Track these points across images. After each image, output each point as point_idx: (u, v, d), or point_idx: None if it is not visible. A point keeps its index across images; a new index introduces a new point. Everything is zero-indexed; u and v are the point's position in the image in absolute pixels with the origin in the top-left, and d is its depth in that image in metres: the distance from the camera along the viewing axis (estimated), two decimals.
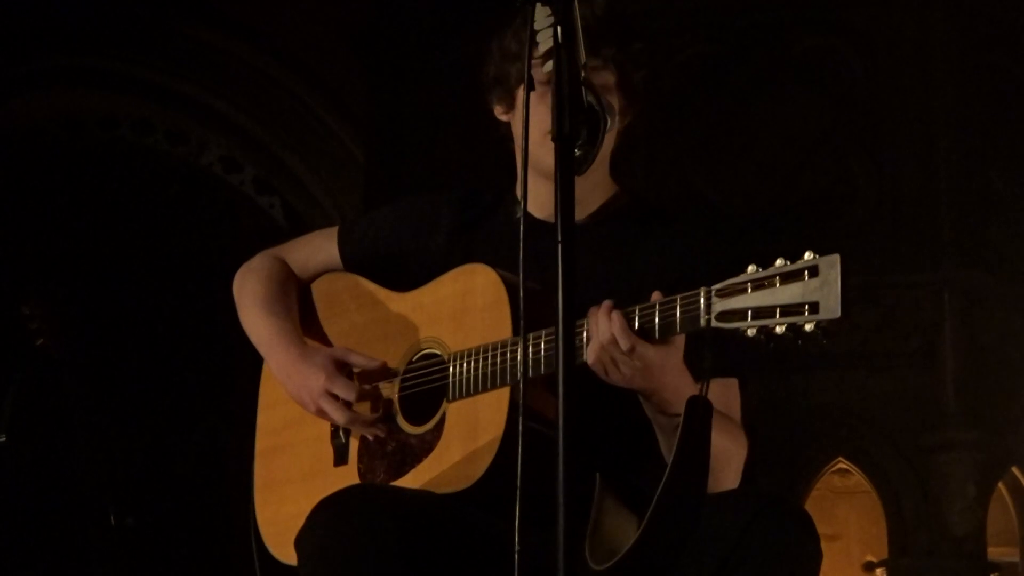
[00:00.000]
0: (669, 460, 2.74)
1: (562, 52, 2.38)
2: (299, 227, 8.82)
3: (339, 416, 2.96)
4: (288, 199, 9.25)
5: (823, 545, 2.69)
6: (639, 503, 2.71)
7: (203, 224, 9.09)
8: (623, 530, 2.66)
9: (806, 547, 2.66)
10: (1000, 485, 8.15)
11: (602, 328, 2.61)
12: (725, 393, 2.83)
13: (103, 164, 9.00)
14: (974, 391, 7.95)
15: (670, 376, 2.65)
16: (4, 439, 5.35)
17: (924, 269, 8.09)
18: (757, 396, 2.97)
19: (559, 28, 2.39)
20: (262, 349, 3.12)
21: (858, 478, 8.37)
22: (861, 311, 7.83)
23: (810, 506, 7.78)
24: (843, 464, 8.37)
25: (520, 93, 2.81)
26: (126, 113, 9.12)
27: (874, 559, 8.49)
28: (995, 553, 8.07)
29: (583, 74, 2.43)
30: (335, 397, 2.95)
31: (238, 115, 9.15)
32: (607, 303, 2.63)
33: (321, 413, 2.99)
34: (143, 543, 5.55)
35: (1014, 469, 8.16)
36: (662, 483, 2.54)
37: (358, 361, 2.98)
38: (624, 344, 2.59)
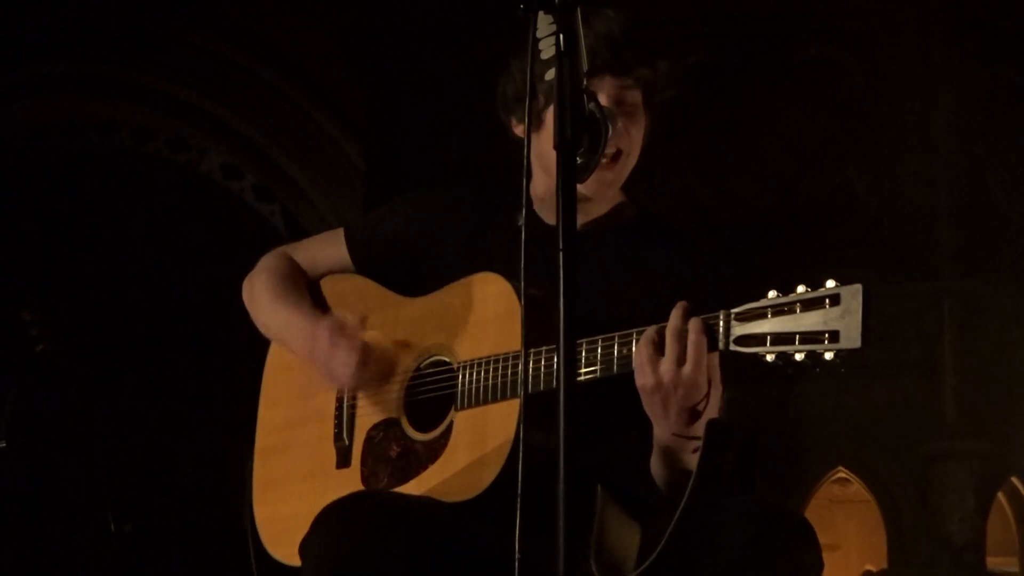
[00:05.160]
0: (662, 476, 2.74)
1: (564, 61, 2.38)
2: (299, 234, 8.77)
3: (349, 359, 2.94)
4: (288, 206, 9.24)
5: (822, 555, 2.69)
6: (641, 512, 2.72)
7: (203, 231, 9.09)
8: (627, 540, 2.67)
9: (807, 557, 2.66)
10: (1000, 495, 8.15)
11: (677, 322, 2.57)
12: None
13: (103, 170, 8.99)
14: (974, 401, 7.95)
15: (711, 409, 2.64)
16: (4, 445, 5.34)
17: (924, 279, 8.08)
18: (756, 405, 2.97)
19: (561, 37, 2.38)
20: (278, 331, 3.12)
21: (857, 487, 8.37)
22: None
23: (809, 515, 7.77)
24: (843, 473, 8.36)
25: (547, 112, 2.81)
26: (126, 119, 9.12)
27: (873, 569, 8.48)
28: (994, 563, 8.06)
29: (584, 82, 2.43)
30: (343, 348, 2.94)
31: (239, 122, 9.15)
32: (686, 302, 2.60)
33: (332, 358, 2.97)
34: (142, 549, 5.55)
35: (1014, 479, 8.16)
36: (682, 504, 2.54)
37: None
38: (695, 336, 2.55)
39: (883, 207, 8.26)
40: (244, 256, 3.32)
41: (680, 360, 2.56)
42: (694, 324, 2.56)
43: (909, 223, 8.19)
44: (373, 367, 2.97)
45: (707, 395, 2.60)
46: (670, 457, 2.70)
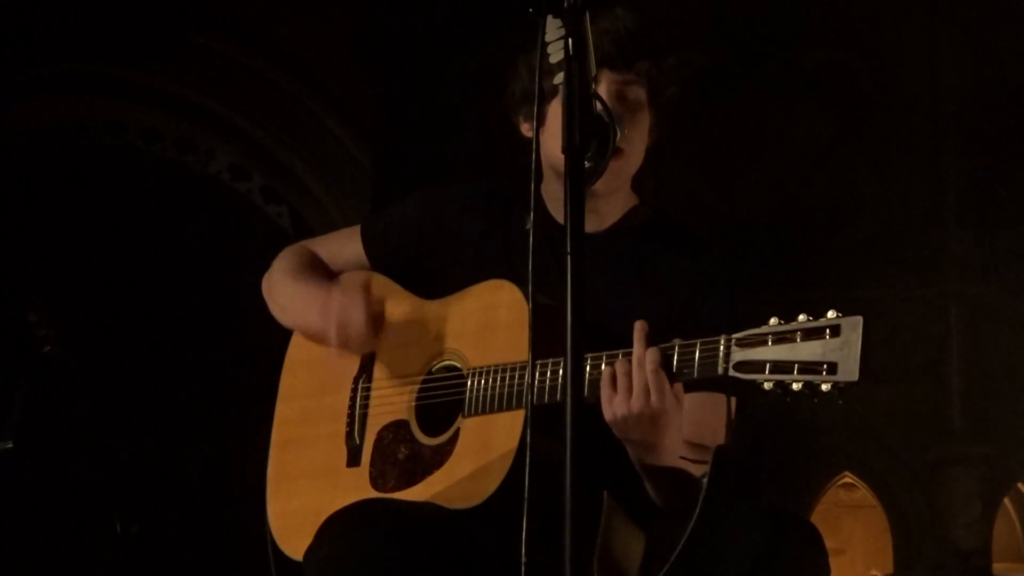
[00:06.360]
0: (659, 498, 2.75)
1: (572, 64, 2.38)
2: (307, 236, 8.77)
3: (358, 315, 2.95)
4: (296, 207, 9.25)
5: (829, 561, 2.69)
6: (646, 519, 2.72)
7: (211, 232, 9.09)
8: (632, 547, 2.67)
9: (815, 563, 2.65)
10: (1006, 501, 8.15)
11: (639, 350, 2.59)
12: (706, 407, 2.80)
13: (111, 171, 9.00)
14: (980, 406, 7.94)
15: (671, 436, 2.64)
16: (11, 446, 5.34)
17: (930, 283, 8.09)
18: (763, 410, 2.95)
19: (570, 40, 2.38)
20: (292, 303, 3.12)
21: (864, 492, 8.37)
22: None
23: (816, 520, 7.76)
24: (849, 478, 8.36)
25: (549, 108, 2.80)
26: (134, 120, 9.13)
27: (879, 574, 8.48)
28: (1000, 569, 8.06)
29: (593, 86, 2.42)
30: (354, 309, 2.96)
31: (246, 123, 9.15)
32: (644, 324, 2.60)
33: (344, 309, 2.97)
34: (148, 551, 5.55)
35: (1020, 485, 8.15)
36: (687, 532, 2.54)
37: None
38: (651, 365, 2.57)
39: (890, 210, 8.26)
40: (252, 257, 3.32)
41: (645, 392, 2.58)
42: (651, 355, 2.57)
43: (916, 227, 8.19)
44: (384, 336, 2.99)
45: (663, 425, 2.61)
46: (649, 484, 2.73)
